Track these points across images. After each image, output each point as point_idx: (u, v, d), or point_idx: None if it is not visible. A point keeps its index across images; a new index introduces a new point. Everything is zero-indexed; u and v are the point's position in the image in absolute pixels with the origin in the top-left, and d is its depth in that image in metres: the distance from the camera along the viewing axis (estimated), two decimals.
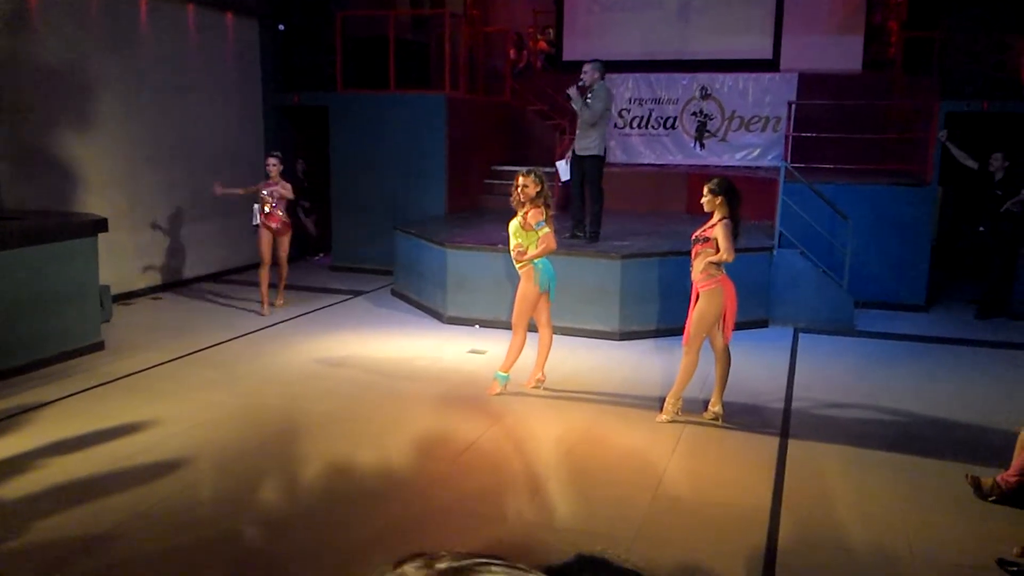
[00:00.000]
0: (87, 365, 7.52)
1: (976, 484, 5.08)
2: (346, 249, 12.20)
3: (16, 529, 4.58)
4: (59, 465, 5.39)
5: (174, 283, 10.87)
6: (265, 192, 9.36)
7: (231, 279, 11.46)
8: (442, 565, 0.80)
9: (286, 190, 9.44)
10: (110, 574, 4.24)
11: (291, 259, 12.85)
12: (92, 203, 9.39)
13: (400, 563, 0.81)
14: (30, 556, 4.33)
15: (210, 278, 11.40)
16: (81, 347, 7.73)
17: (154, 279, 10.62)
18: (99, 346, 7.92)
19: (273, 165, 9.45)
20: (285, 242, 9.61)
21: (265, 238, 9.44)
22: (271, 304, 9.65)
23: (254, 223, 9.45)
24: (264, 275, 9.52)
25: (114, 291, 9.24)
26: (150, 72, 10.37)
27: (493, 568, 0.80)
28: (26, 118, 8.86)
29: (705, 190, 6.12)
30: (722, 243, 5.98)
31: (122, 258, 9.79)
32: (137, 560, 4.35)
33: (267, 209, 9.38)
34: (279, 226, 9.51)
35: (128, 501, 4.94)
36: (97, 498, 4.95)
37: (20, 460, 5.44)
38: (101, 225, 8.04)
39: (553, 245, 6.60)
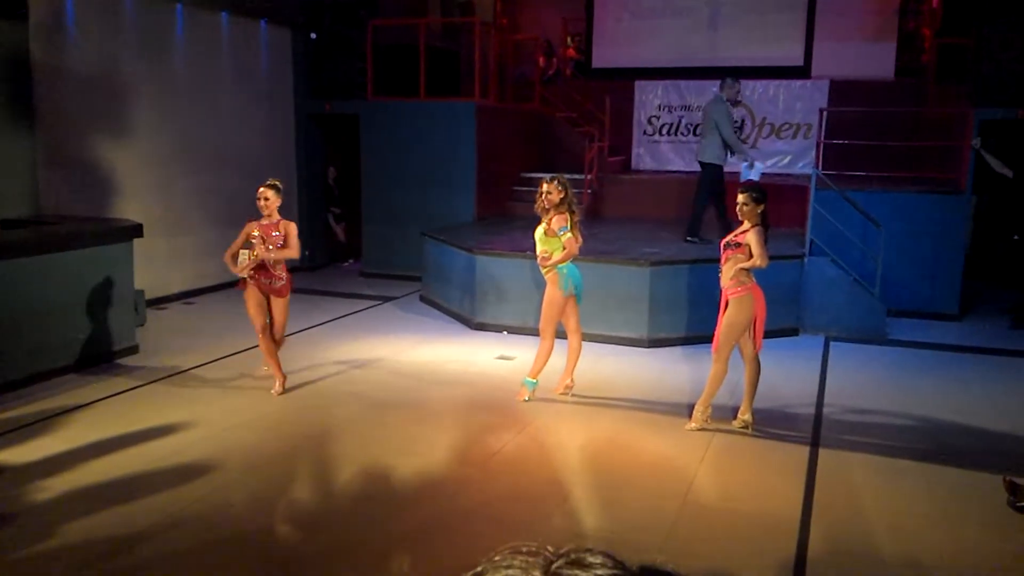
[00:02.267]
0: (121, 368, 7.63)
1: (1012, 488, 5.00)
2: (376, 255, 12.27)
3: (50, 529, 4.66)
4: (93, 467, 5.48)
5: (207, 288, 10.99)
6: (256, 235, 6.76)
7: None
8: (559, 560, 0.87)
9: (287, 231, 6.78)
10: (142, 574, 4.30)
11: (320, 266, 13.08)
12: (127, 208, 9.53)
13: (507, 555, 0.88)
14: (64, 556, 4.40)
15: (242, 283, 11.51)
16: (116, 350, 7.85)
17: (187, 284, 10.75)
18: (133, 350, 8.03)
19: (267, 200, 6.75)
20: (280, 307, 6.97)
21: (253, 298, 6.90)
22: (272, 376, 7.08)
23: (243, 275, 6.89)
24: (263, 345, 6.99)
25: (148, 295, 9.36)
26: (184, 80, 10.53)
27: (597, 556, 0.88)
28: (64, 125, 9.02)
29: (744, 197, 6.08)
30: (756, 249, 5.95)
31: (157, 262, 9.92)
32: (169, 560, 4.40)
33: (257, 256, 6.75)
34: (274, 283, 6.88)
35: (161, 502, 5.00)
36: (130, 499, 5.02)
37: (55, 461, 5.53)
38: (136, 230, 8.17)
39: (575, 249, 6.63)
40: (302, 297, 11.07)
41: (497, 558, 0.88)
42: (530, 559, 0.87)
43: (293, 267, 12.09)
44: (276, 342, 7.03)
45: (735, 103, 9.85)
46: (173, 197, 10.45)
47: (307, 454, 5.92)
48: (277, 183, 6.91)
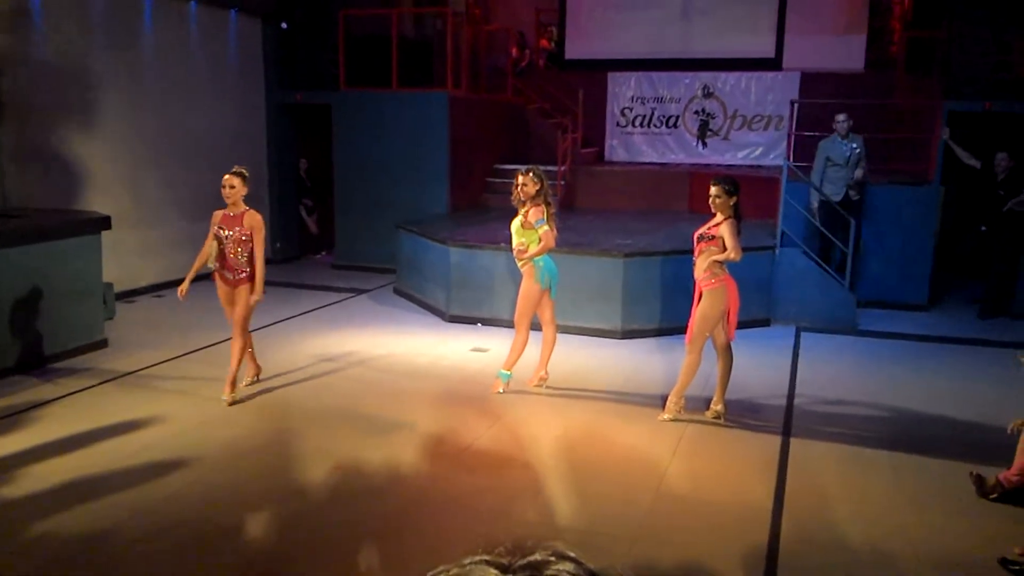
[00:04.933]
0: (90, 363, 7.54)
1: (979, 482, 5.08)
2: (348, 247, 12.21)
3: (20, 525, 4.60)
4: (62, 463, 5.41)
5: (177, 281, 10.82)
6: (221, 230, 6.48)
7: None
8: (519, 563, 0.83)
9: (252, 226, 6.46)
10: (112, 571, 4.25)
11: (293, 258, 12.97)
12: (96, 201, 9.40)
13: (467, 563, 0.84)
14: (34, 552, 4.35)
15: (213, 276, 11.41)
16: (84, 344, 7.75)
17: (157, 277, 10.61)
18: (102, 344, 7.94)
19: (232, 187, 6.45)
20: (242, 298, 6.52)
21: (220, 296, 6.67)
22: (234, 387, 6.60)
23: (209, 265, 6.61)
24: (235, 340, 6.67)
25: (117, 289, 9.25)
26: (153, 70, 10.39)
27: (564, 564, 0.83)
28: (30, 116, 8.87)
29: (716, 189, 6.09)
30: (729, 242, 5.98)
31: (126, 255, 9.79)
32: (139, 557, 4.36)
33: (227, 251, 6.48)
34: (236, 276, 6.52)
35: (131, 498, 4.95)
36: (100, 496, 4.96)
37: (23, 457, 5.46)
38: (105, 223, 8.06)
39: (552, 242, 6.63)
40: (274, 290, 10.98)
41: (459, 563, 0.85)
42: (488, 563, 0.84)
43: (265, 258, 11.96)
44: (235, 336, 6.58)
45: (843, 137, 9.64)
46: (142, 189, 10.33)
47: (279, 449, 5.88)
48: (244, 171, 6.57)
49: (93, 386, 6.95)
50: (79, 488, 5.05)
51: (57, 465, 5.36)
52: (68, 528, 4.58)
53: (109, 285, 8.66)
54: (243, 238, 6.45)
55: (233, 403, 6.54)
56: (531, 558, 0.84)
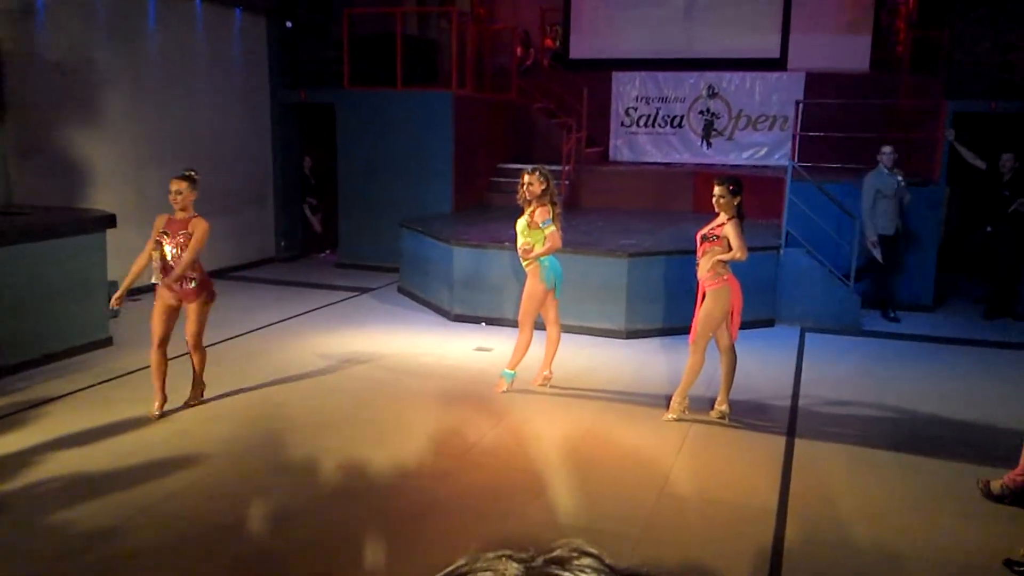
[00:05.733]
0: (95, 361, 7.54)
1: (987, 489, 5.06)
2: (352, 246, 12.21)
3: (24, 522, 4.60)
4: (65, 460, 5.41)
5: None
6: (164, 235, 6.08)
7: (238, 275, 11.46)
8: (541, 558, 0.85)
9: (198, 232, 6.02)
10: (114, 567, 4.26)
11: (296, 256, 12.97)
12: (100, 199, 9.40)
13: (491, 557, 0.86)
14: (37, 549, 4.35)
15: (216, 274, 11.39)
16: (89, 343, 7.76)
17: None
18: (107, 342, 7.94)
19: (180, 193, 6.05)
20: (194, 312, 6.17)
21: (157, 307, 6.20)
22: (188, 401, 6.43)
23: (151, 280, 6.24)
24: (154, 358, 6.19)
25: None
26: (157, 68, 10.39)
27: (587, 559, 0.84)
28: (34, 114, 8.88)
29: (720, 189, 6.07)
30: (735, 242, 5.97)
31: (130, 254, 9.76)
32: (141, 554, 4.36)
33: (169, 260, 6.06)
34: (183, 290, 6.12)
35: (133, 496, 4.95)
36: (103, 493, 4.96)
37: (27, 455, 5.46)
38: (110, 221, 8.06)
39: (558, 243, 6.62)
40: (277, 288, 11.04)
41: (483, 557, 0.86)
42: (510, 557, 0.85)
43: (269, 257, 12.04)
44: (192, 351, 6.33)
45: (889, 169, 9.44)
46: (147, 187, 10.30)
47: (281, 447, 5.87)
48: (193, 174, 6.16)
49: (97, 384, 6.95)
50: (83, 485, 5.06)
51: (61, 462, 5.37)
52: (72, 525, 4.59)
53: (113, 283, 8.64)
54: (187, 244, 6.02)
55: (195, 404, 6.46)
56: (553, 554, 0.84)
